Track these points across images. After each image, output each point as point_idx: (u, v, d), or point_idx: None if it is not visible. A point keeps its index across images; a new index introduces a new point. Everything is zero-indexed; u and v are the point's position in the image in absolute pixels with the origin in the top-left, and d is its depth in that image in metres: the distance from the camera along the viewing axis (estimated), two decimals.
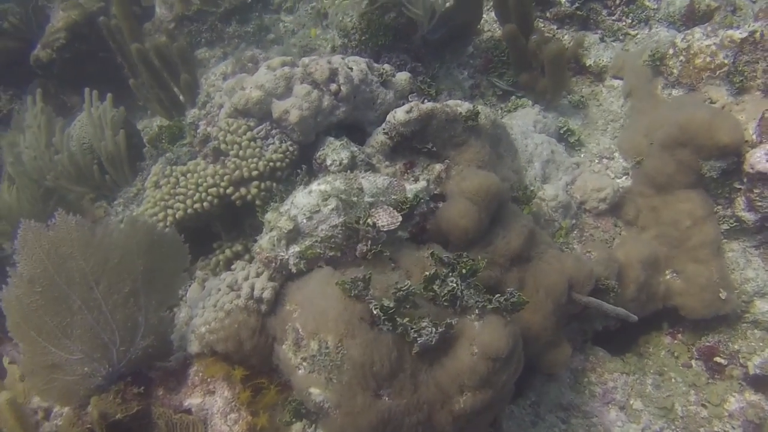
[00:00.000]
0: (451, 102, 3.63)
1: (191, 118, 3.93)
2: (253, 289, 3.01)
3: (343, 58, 3.70)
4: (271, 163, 3.46)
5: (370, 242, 2.98)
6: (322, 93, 3.51)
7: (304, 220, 2.99)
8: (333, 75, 3.54)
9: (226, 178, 3.45)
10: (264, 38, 6.26)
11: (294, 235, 2.98)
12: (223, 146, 3.50)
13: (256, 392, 2.92)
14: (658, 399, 3.87)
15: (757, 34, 4.12)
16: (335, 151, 3.47)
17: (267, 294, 2.98)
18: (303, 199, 3.06)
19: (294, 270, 3.00)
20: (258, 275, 3.09)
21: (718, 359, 3.97)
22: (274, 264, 3.00)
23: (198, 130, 3.71)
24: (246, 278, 3.09)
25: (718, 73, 4.26)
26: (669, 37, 4.79)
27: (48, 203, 4.60)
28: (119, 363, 2.88)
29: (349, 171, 3.37)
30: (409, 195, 3.25)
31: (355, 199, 3.06)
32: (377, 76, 3.78)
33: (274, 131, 3.55)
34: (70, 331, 2.73)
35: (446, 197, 3.42)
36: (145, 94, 5.27)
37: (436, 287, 2.81)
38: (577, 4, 5.02)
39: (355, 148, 3.56)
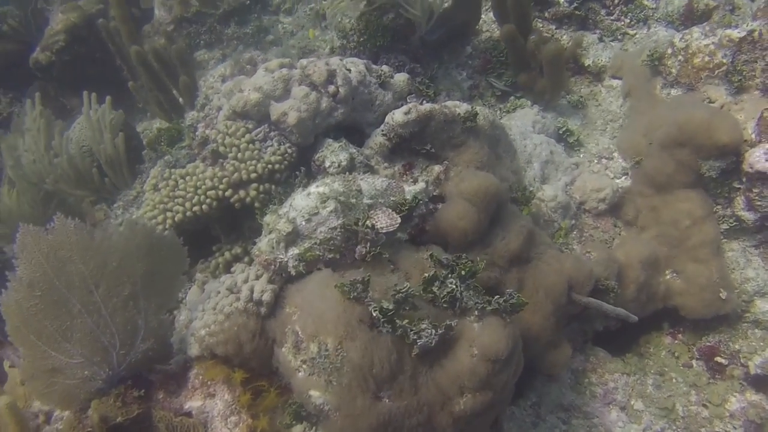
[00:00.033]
0: (449, 103, 3.63)
1: (190, 121, 3.93)
2: (252, 291, 3.01)
3: (341, 60, 3.70)
4: (270, 166, 3.46)
5: (369, 244, 2.98)
6: (321, 95, 3.51)
7: (303, 223, 2.99)
8: (331, 77, 3.54)
9: (224, 180, 3.45)
10: (263, 40, 6.26)
11: (293, 237, 2.98)
12: (221, 149, 3.50)
13: (256, 395, 2.92)
14: (659, 399, 3.87)
15: (756, 33, 4.11)
16: (334, 153, 3.47)
17: (266, 297, 2.98)
18: (302, 201, 3.06)
19: (293, 272, 3.00)
20: (257, 278, 3.09)
21: (718, 359, 3.97)
22: (273, 266, 3.00)
23: (197, 133, 3.72)
24: (245, 281, 3.09)
25: (716, 72, 4.26)
26: (668, 36, 4.78)
27: (48, 206, 4.61)
28: (119, 366, 2.88)
29: (347, 173, 3.37)
30: (408, 196, 3.25)
31: (353, 200, 3.06)
32: (375, 78, 3.78)
33: (272, 133, 3.55)
34: (69, 335, 2.73)
35: (445, 198, 3.42)
36: (144, 97, 5.28)
37: (435, 289, 2.81)
38: (575, 4, 5.02)
39: (354, 150, 3.56)
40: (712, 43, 4.29)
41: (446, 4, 4.83)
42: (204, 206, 3.44)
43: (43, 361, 2.73)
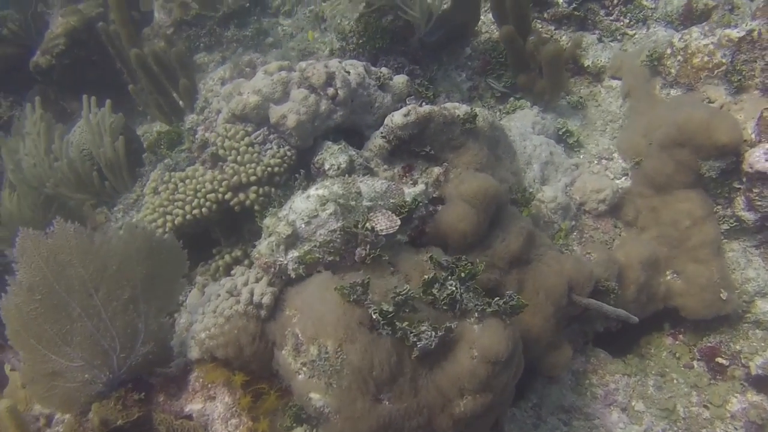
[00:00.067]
0: (448, 105, 3.63)
1: (189, 124, 3.94)
2: (252, 294, 3.01)
3: (340, 62, 3.71)
4: (269, 168, 3.47)
5: (368, 246, 2.98)
6: (320, 97, 3.51)
7: (303, 225, 3.00)
8: (330, 79, 3.55)
9: (224, 183, 3.45)
10: (262, 42, 6.26)
11: (292, 240, 2.98)
12: (221, 152, 3.51)
13: (256, 397, 2.93)
14: (660, 400, 3.87)
15: (755, 33, 4.11)
16: (333, 156, 3.47)
17: (266, 299, 2.98)
18: (301, 203, 3.06)
19: (293, 275, 3.01)
20: (257, 281, 3.09)
21: (719, 360, 3.96)
22: (273, 269, 3.00)
23: (196, 136, 3.72)
24: (245, 283, 3.10)
25: (716, 72, 4.26)
26: (667, 36, 4.78)
27: (49, 210, 4.61)
28: (120, 369, 2.88)
29: (347, 175, 3.37)
30: (408, 199, 3.25)
31: (353, 203, 3.06)
32: (375, 80, 3.79)
33: (271, 136, 3.55)
34: (70, 339, 2.73)
35: (445, 200, 3.42)
36: (145, 100, 5.28)
37: (435, 291, 2.81)
38: (574, 5, 5.01)
39: (354, 152, 3.56)
40: (712, 43, 4.29)
41: (445, 6, 4.83)
42: (204, 209, 3.45)
43: (44, 364, 2.73)
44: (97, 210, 4.69)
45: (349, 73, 3.65)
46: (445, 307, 2.81)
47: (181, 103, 5.05)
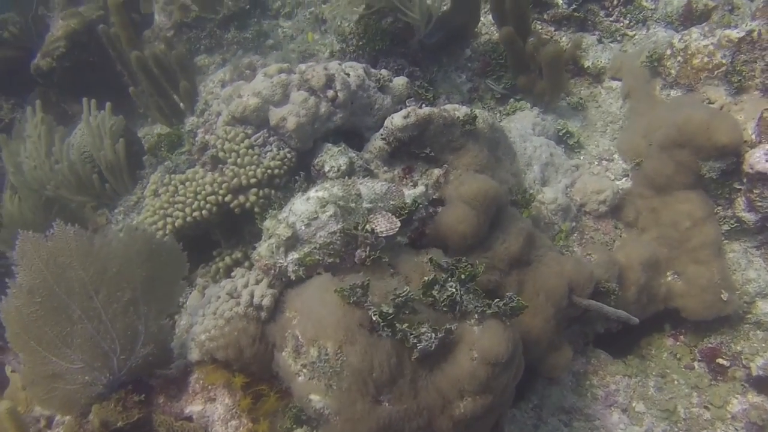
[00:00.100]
0: (448, 106, 3.63)
1: (190, 126, 3.94)
2: (252, 296, 3.01)
3: (340, 64, 3.71)
4: (269, 171, 3.47)
5: (368, 248, 2.98)
6: (319, 99, 3.52)
7: (303, 227, 3.00)
8: (330, 81, 3.55)
9: (224, 185, 3.46)
10: (263, 44, 6.27)
11: (292, 242, 2.99)
12: (221, 154, 3.51)
13: (256, 399, 2.92)
14: (661, 401, 3.86)
15: (755, 33, 4.11)
16: (333, 158, 3.48)
17: (266, 301, 2.99)
18: (301, 206, 3.07)
19: (293, 277, 3.01)
20: (257, 282, 3.09)
21: (720, 361, 3.95)
22: (273, 271, 3.01)
23: (196, 138, 3.73)
24: (245, 285, 3.10)
25: (716, 73, 4.26)
26: (667, 37, 4.78)
27: (50, 212, 4.62)
28: (120, 371, 2.88)
29: (347, 177, 3.38)
30: (408, 200, 3.25)
31: (353, 205, 3.07)
32: (374, 82, 3.79)
33: (271, 138, 3.55)
34: (70, 341, 2.73)
35: (445, 202, 3.42)
36: (145, 102, 5.29)
37: (435, 292, 2.81)
38: (574, 6, 5.01)
39: (353, 154, 3.56)
40: (711, 43, 4.29)
41: (445, 7, 4.83)
42: (204, 211, 3.45)
43: (44, 366, 2.74)
44: (98, 212, 4.70)
45: (348, 75, 3.66)
46: (445, 309, 2.81)
47: (181, 105, 5.06)
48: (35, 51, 6.50)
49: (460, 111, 3.62)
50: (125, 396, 2.84)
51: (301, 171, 3.52)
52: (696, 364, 4.02)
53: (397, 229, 3.05)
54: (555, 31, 5.10)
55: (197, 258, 3.60)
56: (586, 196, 4.24)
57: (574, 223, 4.18)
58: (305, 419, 2.80)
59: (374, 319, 2.66)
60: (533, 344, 3.38)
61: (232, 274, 3.33)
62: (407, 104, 3.83)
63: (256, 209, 3.46)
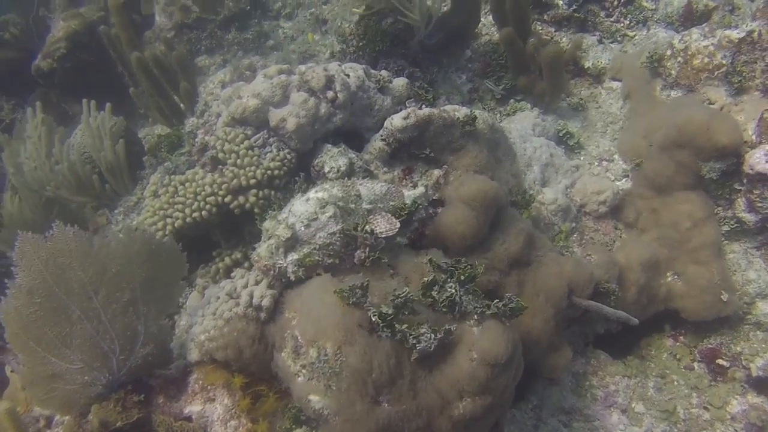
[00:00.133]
0: (448, 107, 3.63)
1: (190, 127, 3.95)
2: (252, 297, 3.02)
3: (339, 65, 3.72)
4: (269, 172, 3.47)
5: (368, 249, 2.99)
6: (319, 100, 3.52)
7: (302, 228, 3.00)
8: (330, 82, 3.55)
9: (224, 186, 3.46)
10: (263, 45, 6.28)
11: (292, 242, 2.99)
12: (221, 155, 3.51)
13: (255, 399, 2.93)
14: (660, 402, 3.86)
15: (755, 34, 4.11)
16: (333, 159, 3.48)
17: (266, 302, 2.99)
18: (301, 206, 3.07)
19: (292, 277, 3.01)
20: (257, 283, 3.10)
21: (720, 361, 3.95)
22: (272, 272, 3.01)
23: (196, 139, 3.73)
24: (245, 286, 3.10)
25: (716, 73, 4.25)
26: (667, 37, 4.77)
27: (50, 212, 4.63)
28: (119, 371, 2.89)
29: (347, 178, 3.38)
30: (408, 201, 3.26)
31: (352, 206, 3.07)
32: (374, 83, 3.79)
33: (271, 139, 3.56)
34: (69, 341, 2.74)
35: (445, 203, 3.43)
36: (146, 103, 5.30)
37: (434, 293, 2.82)
38: (574, 6, 5.01)
39: (353, 155, 3.56)
40: (712, 44, 4.29)
41: (445, 8, 4.84)
42: (204, 212, 3.45)
43: (43, 367, 2.74)
44: (98, 212, 4.71)
45: (348, 76, 3.66)
46: (444, 310, 2.81)
47: (182, 105, 5.07)
48: (36, 52, 6.52)
49: (460, 112, 3.62)
50: (125, 396, 2.85)
51: (300, 172, 3.53)
52: (696, 364, 4.02)
53: (396, 229, 3.05)
54: (555, 31, 5.10)
55: (197, 258, 3.61)
56: (586, 196, 4.24)
57: (574, 224, 4.18)
58: (304, 419, 2.80)
59: (374, 319, 2.66)
60: (533, 345, 3.38)
61: (232, 274, 3.33)
62: (407, 105, 3.84)
63: (256, 210, 3.46)
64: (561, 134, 4.66)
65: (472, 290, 2.87)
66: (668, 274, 4.05)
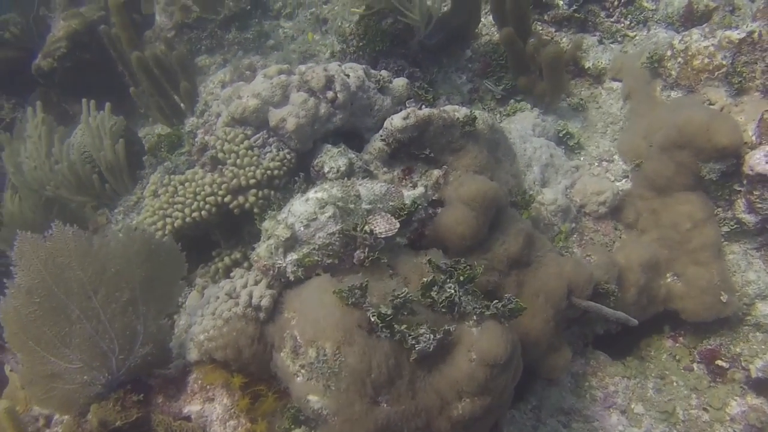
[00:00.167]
0: (448, 107, 3.63)
1: (189, 127, 3.95)
2: (251, 297, 3.02)
3: (339, 65, 3.71)
4: (269, 172, 3.47)
5: (367, 249, 2.98)
6: (319, 101, 3.52)
7: (302, 228, 3.00)
8: (329, 82, 3.55)
9: (224, 186, 3.46)
10: (264, 44, 6.28)
11: (291, 243, 2.99)
12: (220, 155, 3.51)
13: (254, 399, 2.93)
14: (660, 403, 3.86)
15: (756, 35, 4.10)
16: (333, 159, 3.48)
17: (265, 302, 2.99)
18: (300, 206, 3.07)
19: (292, 277, 3.01)
20: (256, 283, 3.10)
21: (719, 362, 3.95)
22: (271, 272, 3.01)
23: (196, 139, 3.73)
24: (244, 286, 3.10)
25: (716, 74, 4.25)
26: (667, 38, 4.77)
27: (50, 212, 4.63)
28: (118, 371, 2.89)
29: (346, 178, 3.38)
30: (407, 201, 3.26)
31: (352, 206, 3.07)
32: (374, 83, 3.79)
33: (271, 139, 3.56)
34: (68, 341, 2.74)
35: (444, 203, 3.43)
36: (146, 102, 5.30)
37: (434, 294, 2.82)
38: (575, 7, 5.00)
39: (353, 155, 3.56)
40: (712, 44, 4.28)
41: (445, 8, 4.84)
42: (203, 212, 3.45)
43: (42, 366, 2.74)
44: (98, 212, 4.71)
45: (348, 76, 3.66)
46: (443, 310, 2.81)
47: (182, 105, 5.07)
48: (36, 51, 6.52)
49: (460, 112, 3.61)
50: (124, 395, 2.85)
51: (300, 172, 3.53)
52: (695, 365, 4.02)
53: (396, 230, 3.05)
54: (555, 32, 5.10)
55: (197, 258, 3.61)
56: (586, 197, 4.24)
57: (573, 224, 4.18)
58: (303, 419, 2.81)
59: (373, 320, 2.66)
60: (532, 345, 3.38)
61: (231, 274, 3.33)
62: (407, 105, 3.84)
63: (256, 210, 3.46)
64: (561, 134, 4.66)
65: (472, 291, 2.87)
66: (668, 275, 4.05)
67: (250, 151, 3.50)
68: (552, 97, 4.72)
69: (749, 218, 3.94)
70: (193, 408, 2.97)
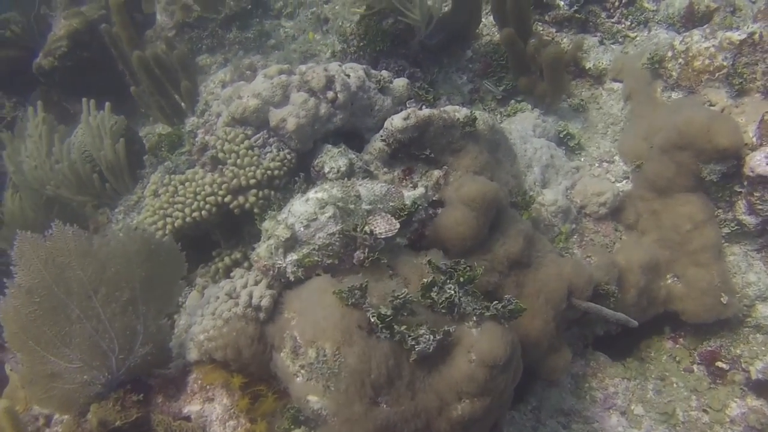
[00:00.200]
0: (448, 108, 3.63)
1: (190, 127, 3.95)
2: (251, 297, 3.02)
3: (340, 65, 3.71)
4: (269, 172, 3.47)
5: (367, 250, 2.98)
6: (319, 101, 3.52)
7: (302, 228, 3.00)
8: (330, 82, 3.55)
9: (224, 186, 3.46)
10: (264, 44, 6.28)
11: (291, 243, 2.99)
12: (221, 155, 3.51)
13: (254, 399, 2.93)
14: (660, 404, 3.86)
15: (756, 36, 4.10)
16: (333, 159, 3.48)
17: (265, 302, 2.99)
18: (300, 207, 3.07)
19: (292, 278, 3.01)
20: (256, 283, 3.10)
21: (719, 364, 3.95)
22: (271, 272, 3.01)
23: (196, 139, 3.73)
24: (244, 286, 3.10)
25: (717, 75, 4.25)
26: (668, 39, 4.77)
27: (51, 211, 4.64)
28: (118, 371, 2.89)
29: (346, 178, 3.38)
30: (407, 202, 3.25)
31: (352, 206, 3.07)
32: (375, 83, 3.79)
33: (271, 139, 3.56)
34: (68, 340, 2.74)
35: (445, 203, 3.42)
36: (147, 102, 5.30)
37: (433, 294, 2.82)
38: (575, 7, 5.00)
39: (353, 156, 3.56)
40: (713, 45, 4.28)
41: (446, 8, 4.83)
42: (203, 212, 3.45)
43: (42, 366, 2.74)
44: (99, 211, 4.71)
45: (349, 76, 3.66)
46: (443, 311, 2.81)
47: (182, 105, 5.07)
48: (37, 50, 6.51)
49: (460, 112, 3.61)
50: (124, 395, 2.85)
51: (300, 172, 3.53)
52: (695, 367, 4.02)
53: (396, 230, 3.05)
54: (556, 32, 5.09)
55: (197, 258, 3.60)
56: (587, 198, 4.23)
57: (574, 225, 4.18)
58: (303, 420, 2.81)
59: (372, 320, 2.67)
60: (532, 346, 3.38)
61: (231, 274, 3.33)
62: (407, 105, 3.83)
63: (256, 210, 3.46)
64: (561, 135, 4.66)
65: (472, 291, 2.86)
66: (668, 276, 4.05)
67: (250, 151, 3.50)
68: (552, 98, 4.72)
69: (750, 220, 3.94)
70: (192, 408, 2.97)
